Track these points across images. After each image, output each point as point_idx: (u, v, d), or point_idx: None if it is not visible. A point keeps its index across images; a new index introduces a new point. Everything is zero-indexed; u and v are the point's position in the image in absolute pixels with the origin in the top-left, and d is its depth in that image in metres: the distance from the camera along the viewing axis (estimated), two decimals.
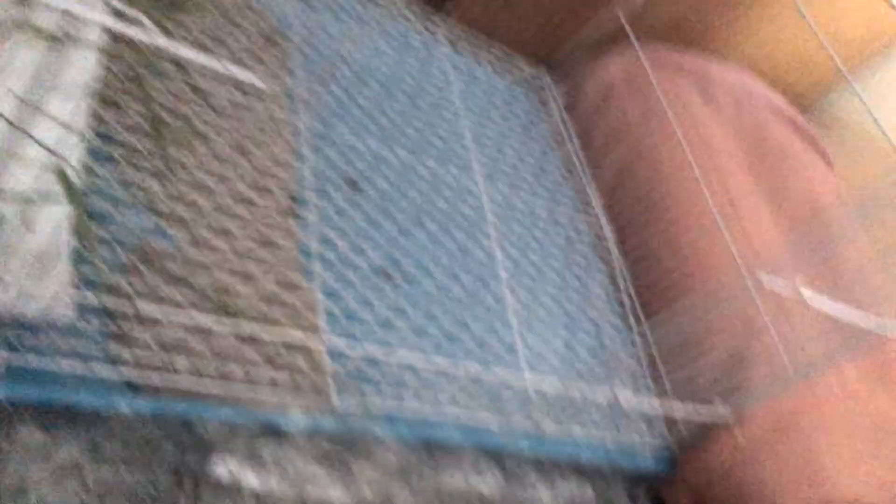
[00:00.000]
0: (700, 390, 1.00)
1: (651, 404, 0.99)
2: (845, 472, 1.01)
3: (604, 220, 1.23)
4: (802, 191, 1.28)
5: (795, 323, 0.92)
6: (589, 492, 0.98)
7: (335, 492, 0.76)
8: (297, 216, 0.87)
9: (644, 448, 1.01)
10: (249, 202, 0.83)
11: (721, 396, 0.98)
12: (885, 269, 0.99)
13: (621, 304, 1.13)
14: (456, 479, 0.85)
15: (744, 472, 0.97)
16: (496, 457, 0.90)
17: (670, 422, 1.03)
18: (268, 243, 0.80)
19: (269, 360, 0.72)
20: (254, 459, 0.73)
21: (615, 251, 1.18)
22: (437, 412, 0.82)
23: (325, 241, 0.87)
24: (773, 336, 0.97)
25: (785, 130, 1.42)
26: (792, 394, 1.02)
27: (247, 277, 0.76)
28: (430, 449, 0.85)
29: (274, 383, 0.71)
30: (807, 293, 0.77)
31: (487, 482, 0.88)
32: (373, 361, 0.79)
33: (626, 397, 0.91)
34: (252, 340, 0.71)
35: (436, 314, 0.91)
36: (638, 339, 1.10)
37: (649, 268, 0.79)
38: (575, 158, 1.31)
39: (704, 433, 1.01)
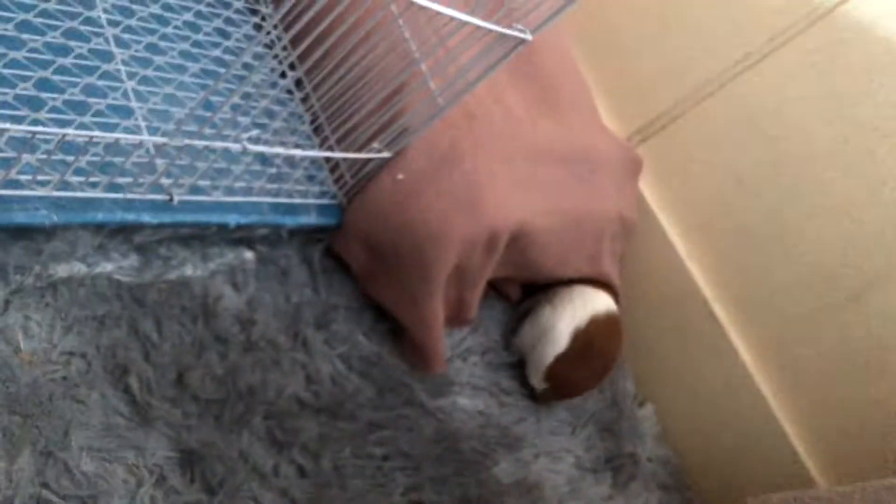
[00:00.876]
0: (364, 137, 0.97)
1: (304, 156, 0.94)
2: (506, 198, 1.03)
3: None
4: None
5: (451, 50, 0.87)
6: (249, 257, 0.94)
7: None
8: None
9: (309, 205, 0.98)
10: None
11: (382, 138, 0.95)
12: None
13: (274, 56, 1.04)
14: (71, 267, 0.76)
15: (407, 209, 0.97)
16: (124, 235, 0.82)
17: (336, 174, 1.01)
18: None
19: None
20: None
21: None
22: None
23: None
24: (421, 65, 0.94)
25: None
26: (453, 126, 1.00)
27: None
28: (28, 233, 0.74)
29: None
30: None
31: (119, 265, 0.81)
32: None
33: (274, 151, 0.86)
34: None
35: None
36: (296, 91, 1.02)
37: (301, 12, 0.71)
38: None
39: (368, 178, 0.99)
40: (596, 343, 1.19)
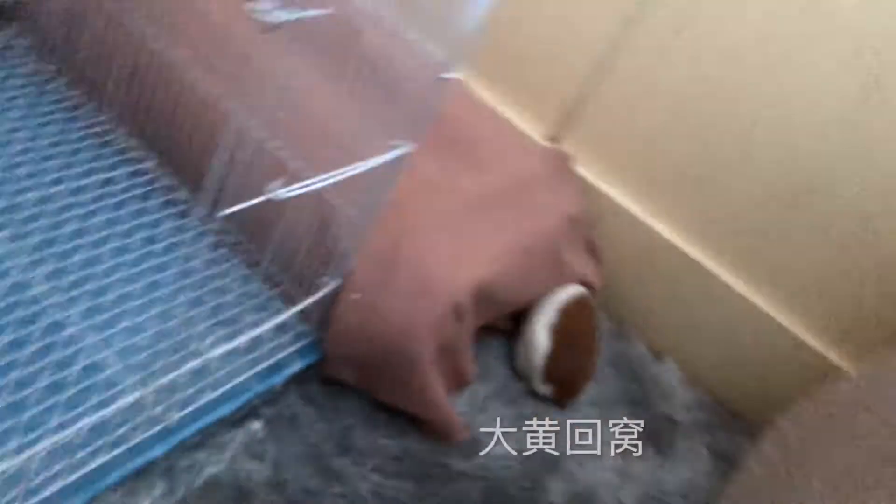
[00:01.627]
0: (314, 274, 1.03)
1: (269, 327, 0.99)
2: (456, 266, 1.09)
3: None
4: None
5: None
6: (258, 426, 1.01)
7: None
8: None
9: (290, 355, 1.05)
10: None
11: (329, 270, 1.02)
12: None
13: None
14: None
15: (372, 322, 1.03)
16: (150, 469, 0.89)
17: (301, 315, 1.06)
18: None
19: None
20: None
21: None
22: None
23: None
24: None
25: None
26: (384, 225, 1.04)
27: None
28: None
29: None
30: None
31: (151, 498, 0.88)
32: None
33: (235, 344, 0.92)
34: None
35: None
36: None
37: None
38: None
39: (330, 306, 1.05)
40: (572, 330, 1.28)
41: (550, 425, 1.25)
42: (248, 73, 1.00)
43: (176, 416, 0.92)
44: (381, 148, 0.90)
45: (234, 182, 0.96)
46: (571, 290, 1.32)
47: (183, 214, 1.14)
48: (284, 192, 0.76)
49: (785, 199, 1.34)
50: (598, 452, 1.24)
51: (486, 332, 1.32)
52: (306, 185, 0.79)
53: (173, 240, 1.09)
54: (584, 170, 1.48)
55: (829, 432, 1.11)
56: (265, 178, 0.83)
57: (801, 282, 1.37)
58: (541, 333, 1.26)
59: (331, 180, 0.83)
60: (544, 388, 1.27)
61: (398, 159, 0.91)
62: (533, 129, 1.54)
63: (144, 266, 1.05)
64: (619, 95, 1.44)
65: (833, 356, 1.37)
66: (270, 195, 0.76)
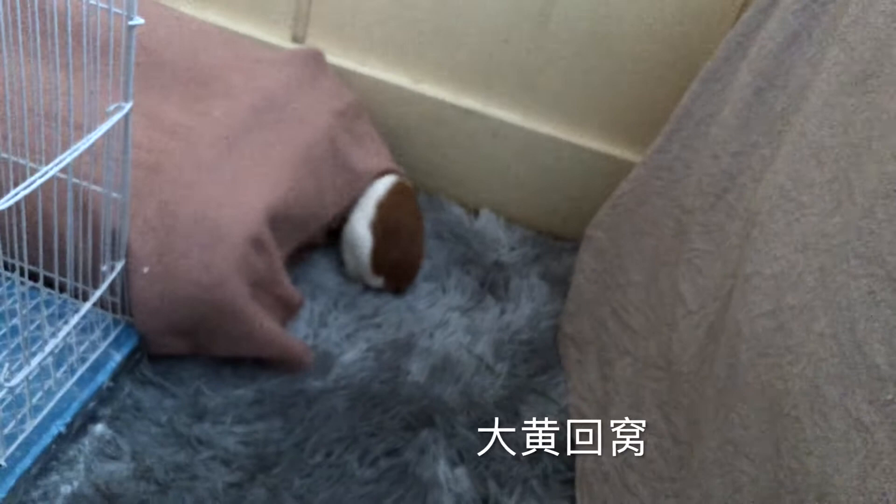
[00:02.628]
0: (92, 265, 0.98)
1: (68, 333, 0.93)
2: (238, 202, 1.08)
3: None
4: None
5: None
6: (101, 428, 1.00)
7: None
8: None
9: (107, 351, 1.04)
10: None
11: (104, 258, 0.98)
12: None
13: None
14: None
15: (174, 287, 1.02)
16: None
17: (106, 309, 1.05)
18: None
19: None
20: None
21: None
22: None
23: None
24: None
25: None
26: (148, 193, 1.03)
27: None
28: None
29: None
30: None
31: None
32: None
33: (34, 364, 0.87)
34: None
35: None
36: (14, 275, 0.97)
37: None
38: None
39: (125, 289, 1.03)
40: (392, 220, 1.30)
41: (394, 314, 1.29)
42: None
43: (3, 455, 0.88)
44: (102, 116, 0.85)
45: None
46: (385, 181, 1.33)
47: None
48: (4, 202, 0.71)
49: (528, 22, 1.38)
50: (444, 319, 1.30)
51: (306, 251, 1.32)
52: (27, 186, 0.74)
53: None
54: (336, 59, 1.46)
55: (632, 225, 1.21)
56: None
57: (568, 95, 1.44)
58: (362, 231, 1.28)
59: (55, 169, 0.78)
60: (377, 282, 1.30)
61: (122, 121, 0.86)
62: (276, 37, 1.49)
63: None
64: None
65: (623, 153, 1.47)
66: None
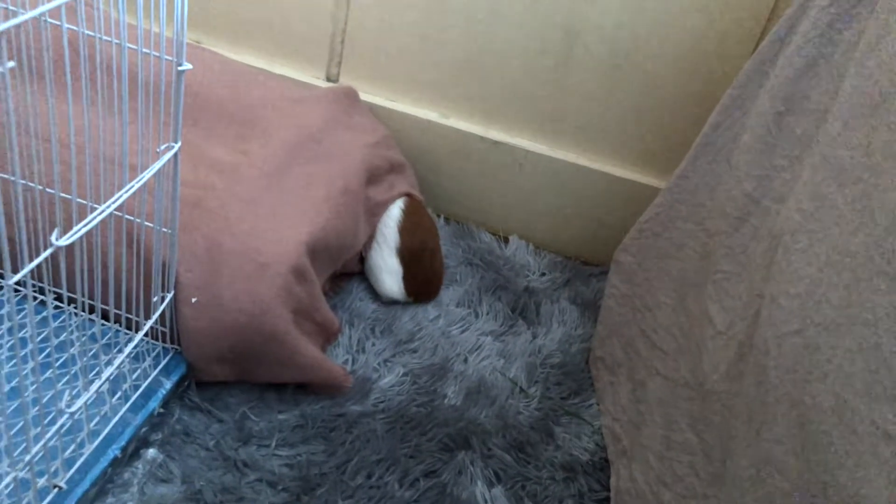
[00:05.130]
0: (144, 296, 1.04)
1: (123, 362, 0.97)
2: (279, 234, 1.13)
3: None
4: None
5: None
6: (153, 453, 1.04)
7: None
8: None
9: (157, 378, 1.08)
10: None
11: (153, 288, 1.02)
12: None
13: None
14: None
15: (222, 314, 1.06)
16: None
17: (156, 339, 1.10)
18: None
19: None
20: None
21: None
22: None
23: None
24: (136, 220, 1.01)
25: None
26: (194, 227, 1.07)
27: None
28: None
29: None
30: None
31: None
32: None
33: (93, 391, 0.92)
34: None
35: None
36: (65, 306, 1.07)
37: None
38: None
39: (174, 318, 1.07)
40: (415, 241, 1.36)
41: (429, 340, 1.32)
42: None
43: (63, 478, 0.92)
44: (153, 156, 0.90)
45: (28, 240, 0.93)
46: (399, 203, 1.39)
47: None
48: (65, 240, 0.76)
49: (552, 55, 1.43)
50: (478, 343, 1.33)
51: (343, 279, 1.37)
52: (86, 224, 0.79)
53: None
54: (368, 97, 1.52)
55: (659, 249, 1.24)
56: (53, 226, 0.82)
57: (593, 124, 1.49)
58: (390, 260, 1.33)
59: (112, 207, 0.83)
60: (407, 300, 1.35)
61: (171, 160, 0.92)
62: (311, 77, 1.56)
63: None
64: (369, 17, 1.47)
65: (648, 179, 1.50)
66: (57, 245, 0.76)
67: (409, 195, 1.42)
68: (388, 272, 1.33)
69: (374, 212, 1.35)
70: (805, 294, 0.81)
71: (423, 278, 1.35)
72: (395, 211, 1.37)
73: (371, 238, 1.36)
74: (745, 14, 1.32)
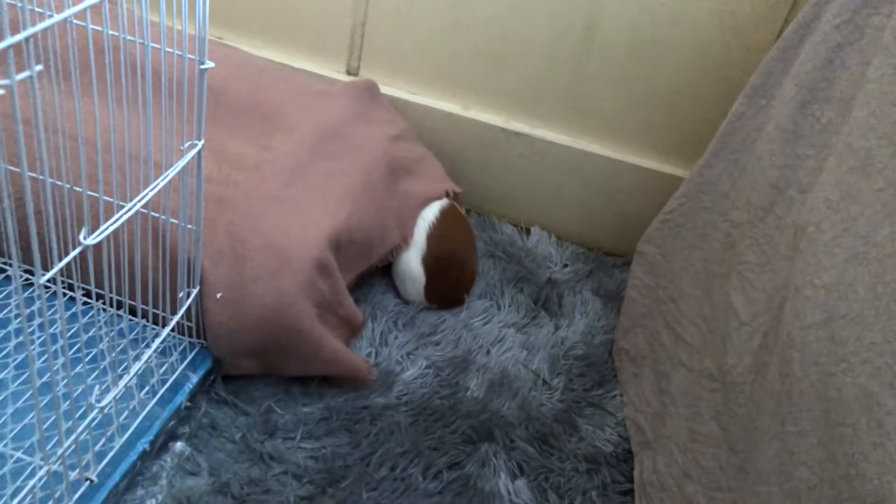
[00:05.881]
0: (169, 292, 1.04)
1: (150, 357, 0.99)
2: (302, 229, 1.14)
3: None
4: None
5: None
6: (181, 446, 1.06)
7: None
8: None
9: (184, 373, 1.10)
10: None
11: (179, 284, 1.04)
12: None
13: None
14: None
15: (245, 310, 1.07)
16: None
17: (182, 333, 1.11)
18: None
19: None
20: None
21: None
22: None
23: None
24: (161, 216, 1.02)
25: None
26: (216, 223, 1.09)
27: None
28: None
29: None
30: None
31: None
32: None
33: (121, 387, 0.94)
34: None
35: None
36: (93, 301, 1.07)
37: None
38: None
39: (200, 314, 1.08)
40: (443, 251, 1.34)
41: (451, 332, 1.33)
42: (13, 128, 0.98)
43: (94, 471, 0.94)
44: (177, 153, 0.91)
45: (57, 238, 0.95)
46: (433, 208, 1.37)
47: (22, 288, 1.12)
48: (93, 238, 0.77)
49: (572, 45, 1.42)
50: (500, 335, 1.34)
51: (367, 274, 1.38)
52: (114, 222, 0.81)
53: (21, 314, 1.08)
54: (389, 90, 1.52)
55: (682, 240, 1.23)
56: (81, 224, 0.84)
57: (614, 114, 1.48)
58: (415, 266, 1.32)
59: (139, 204, 0.84)
60: (429, 306, 1.35)
61: (195, 157, 0.93)
62: (332, 71, 1.56)
63: (5, 349, 1.05)
64: (388, 11, 1.47)
65: (670, 169, 1.49)
66: (85, 244, 0.77)
67: (451, 195, 1.40)
68: (411, 279, 1.33)
69: (410, 204, 1.34)
70: (830, 285, 0.80)
71: (446, 289, 1.35)
72: (430, 215, 1.35)
73: (409, 236, 1.35)
74: (769, 1, 1.30)
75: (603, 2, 1.36)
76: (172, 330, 1.09)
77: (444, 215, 1.36)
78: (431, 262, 1.32)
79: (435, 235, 1.33)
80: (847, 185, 0.84)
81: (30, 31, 0.59)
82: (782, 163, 1.00)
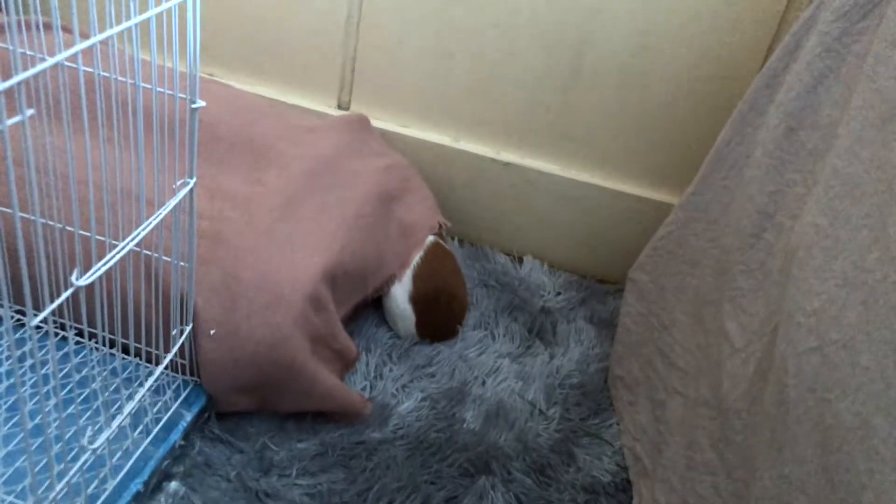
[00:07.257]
0: (163, 330, 1.05)
1: (143, 396, 1.00)
2: (294, 264, 1.14)
3: None
4: None
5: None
6: (175, 486, 1.05)
7: None
8: None
9: (178, 411, 1.09)
10: None
11: (172, 322, 1.04)
12: None
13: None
14: None
15: (240, 346, 1.07)
16: None
17: (175, 371, 1.10)
18: None
19: None
20: None
21: None
22: None
23: None
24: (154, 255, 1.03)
25: None
26: (210, 260, 1.09)
27: None
28: None
29: None
30: None
31: None
32: None
33: (114, 427, 0.92)
34: None
35: None
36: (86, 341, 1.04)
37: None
38: None
39: (193, 351, 1.08)
40: (430, 288, 1.34)
41: (446, 364, 1.32)
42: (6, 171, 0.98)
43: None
44: (169, 192, 0.92)
45: (49, 278, 0.95)
46: (417, 250, 1.37)
47: (13, 329, 1.12)
48: (86, 279, 0.77)
49: (560, 76, 1.44)
50: (495, 366, 1.33)
51: (361, 307, 1.38)
52: (106, 262, 0.81)
53: (12, 356, 1.07)
54: (379, 123, 1.54)
55: (674, 267, 1.24)
56: (73, 265, 0.83)
57: (603, 143, 1.49)
58: (404, 305, 1.32)
59: (132, 243, 0.84)
60: (423, 340, 1.35)
61: (188, 195, 0.93)
62: (323, 105, 1.57)
63: None
64: (377, 45, 1.49)
65: (660, 196, 1.50)
66: (77, 285, 0.77)
67: (442, 227, 1.41)
68: (402, 318, 1.33)
69: (409, 233, 1.35)
70: (821, 311, 0.81)
71: (438, 323, 1.34)
72: (415, 257, 1.36)
73: (406, 266, 1.34)
74: (754, 29, 1.32)
75: (590, 32, 1.38)
76: (166, 368, 1.09)
77: (428, 253, 1.36)
78: (419, 299, 1.32)
79: (420, 274, 1.33)
80: (835, 211, 0.85)
81: (21, 76, 0.60)
82: (771, 189, 1.01)
